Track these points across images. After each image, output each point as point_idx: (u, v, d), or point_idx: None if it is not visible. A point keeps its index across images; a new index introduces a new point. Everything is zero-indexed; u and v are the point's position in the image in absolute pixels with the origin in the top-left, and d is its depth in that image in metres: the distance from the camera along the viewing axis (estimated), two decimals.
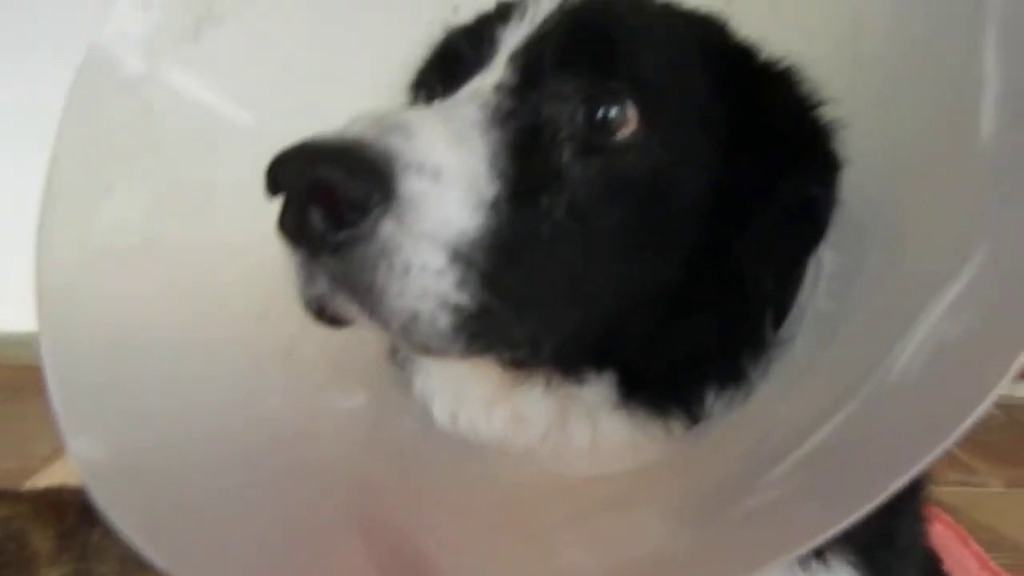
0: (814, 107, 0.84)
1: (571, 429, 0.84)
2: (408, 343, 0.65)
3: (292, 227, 0.61)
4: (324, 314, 0.68)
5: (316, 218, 0.60)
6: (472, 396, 0.88)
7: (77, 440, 0.72)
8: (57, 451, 2.43)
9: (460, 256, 0.63)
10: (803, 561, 0.78)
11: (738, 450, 0.79)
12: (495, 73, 0.76)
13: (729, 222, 0.80)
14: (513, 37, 0.78)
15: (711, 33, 0.87)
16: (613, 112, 0.74)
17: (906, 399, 0.59)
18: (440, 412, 0.93)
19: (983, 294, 0.57)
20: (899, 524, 0.90)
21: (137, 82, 0.88)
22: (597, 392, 0.82)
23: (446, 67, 0.84)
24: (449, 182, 0.64)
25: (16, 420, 2.81)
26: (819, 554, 0.80)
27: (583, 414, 0.83)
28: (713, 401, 0.82)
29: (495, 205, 0.66)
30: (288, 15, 0.98)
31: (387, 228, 0.60)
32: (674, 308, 0.80)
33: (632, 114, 0.75)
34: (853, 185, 0.80)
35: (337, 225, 0.60)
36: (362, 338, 0.99)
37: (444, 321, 0.64)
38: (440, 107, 0.73)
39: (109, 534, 0.64)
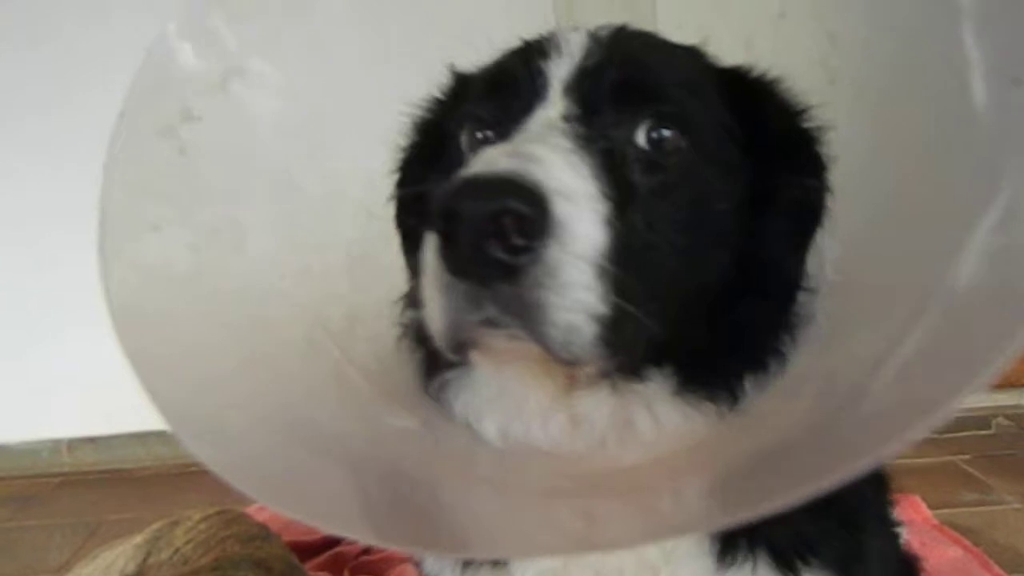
0: (801, 112, 0.95)
1: (634, 424, 0.88)
2: (563, 354, 0.70)
3: (469, 258, 0.66)
4: (459, 345, 0.74)
5: (494, 248, 0.65)
6: (528, 408, 0.91)
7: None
8: (66, 564, 2.27)
9: (598, 269, 0.70)
10: None
11: (776, 421, 0.86)
12: (556, 105, 0.84)
13: (753, 219, 0.91)
14: (560, 71, 0.87)
15: (706, 59, 0.98)
16: (667, 134, 0.85)
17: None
18: (490, 429, 0.95)
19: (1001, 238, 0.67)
20: (869, 538, 0.97)
21: (172, 127, 0.90)
22: (657, 386, 0.88)
23: (498, 101, 0.91)
24: (582, 204, 0.71)
25: (25, 532, 2.63)
26: (793, 569, 0.88)
27: (644, 408, 0.88)
28: (754, 380, 0.89)
29: (608, 220, 0.73)
30: (312, 68, 1.03)
31: (552, 251, 0.67)
32: (721, 301, 0.88)
33: (677, 137, 0.86)
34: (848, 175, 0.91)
35: (514, 252, 0.65)
36: (400, 373, 1.01)
37: (591, 330, 0.70)
38: (530, 137, 0.79)
39: None
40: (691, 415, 0.88)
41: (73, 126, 2.55)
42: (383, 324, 1.04)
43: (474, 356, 0.78)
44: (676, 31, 1.03)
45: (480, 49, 1.09)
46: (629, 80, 0.86)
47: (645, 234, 0.78)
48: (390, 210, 1.09)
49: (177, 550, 1.64)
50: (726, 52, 1.00)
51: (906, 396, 0.66)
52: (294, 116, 1.03)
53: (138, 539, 1.73)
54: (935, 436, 2.73)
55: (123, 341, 0.73)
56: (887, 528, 1.09)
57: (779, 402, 0.86)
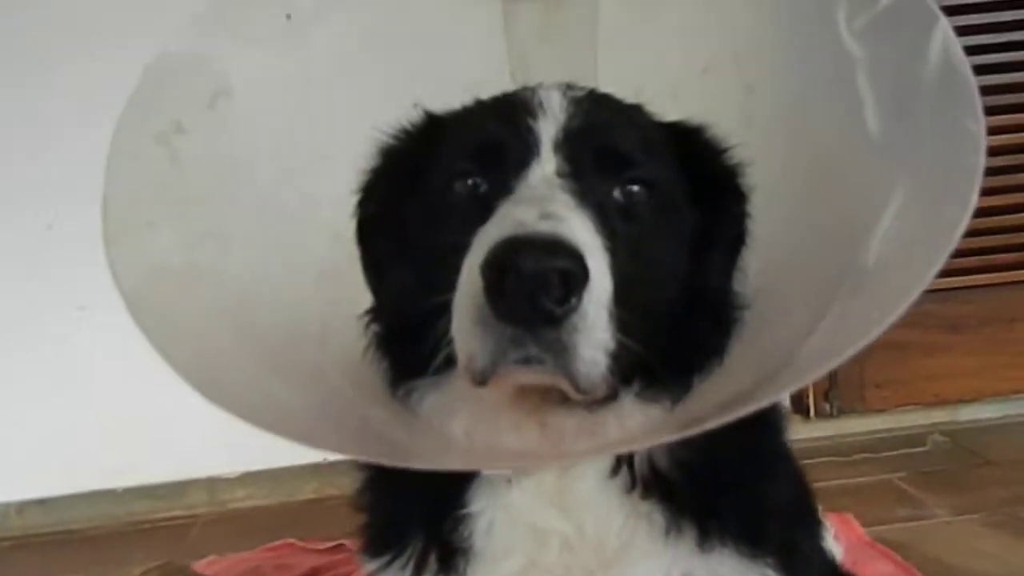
0: (723, 152, 1.12)
1: (602, 430, 0.98)
2: (584, 384, 0.84)
3: (524, 307, 0.79)
4: (483, 377, 0.85)
5: (546, 300, 0.78)
6: (501, 418, 0.99)
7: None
8: None
9: (609, 311, 0.84)
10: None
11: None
12: (549, 162, 0.98)
13: (697, 255, 1.09)
14: (549, 130, 1.01)
15: (650, 116, 1.15)
16: (635, 190, 1.02)
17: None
18: (456, 429, 1.02)
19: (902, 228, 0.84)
20: (803, 532, 1.12)
21: (166, 134, 0.97)
22: (625, 399, 0.99)
23: (490, 154, 1.02)
24: (597, 256, 0.85)
25: None
26: (747, 554, 1.00)
27: (612, 416, 0.99)
28: (699, 376, 1.03)
29: (609, 267, 0.88)
30: (294, 94, 1.12)
31: (585, 301, 0.80)
32: (673, 322, 1.03)
33: (644, 193, 1.03)
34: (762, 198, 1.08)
35: (561, 303, 0.79)
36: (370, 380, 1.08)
37: (605, 363, 0.85)
38: (538, 192, 0.93)
39: None
40: (649, 412, 1.00)
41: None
42: (351, 337, 1.11)
43: (494, 383, 0.88)
44: (614, 84, 1.20)
45: (446, 91, 1.22)
46: (607, 146, 1.02)
47: (628, 275, 0.91)
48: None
49: None
50: (656, 103, 1.17)
51: (826, 347, 0.81)
52: (275, 138, 1.11)
53: None
54: (872, 456, 2.94)
55: (137, 319, 0.78)
56: (817, 528, 1.26)
57: (719, 381, 0.98)
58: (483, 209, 0.97)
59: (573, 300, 0.79)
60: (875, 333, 0.70)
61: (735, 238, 1.11)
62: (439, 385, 1.05)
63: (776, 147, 1.08)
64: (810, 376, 0.78)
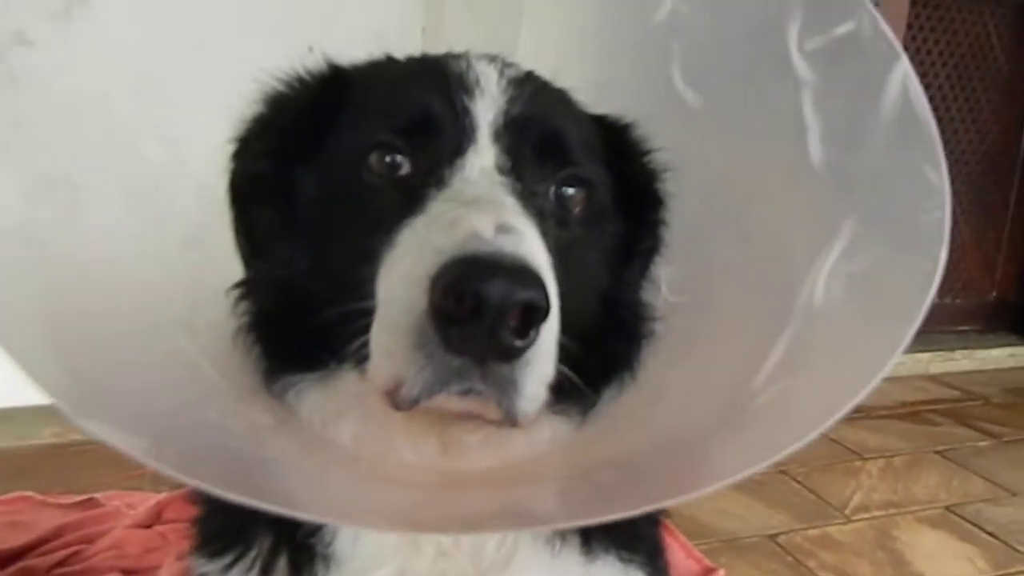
0: (645, 154, 1.07)
1: (508, 443, 0.90)
2: (521, 418, 0.77)
3: (482, 340, 0.69)
4: (409, 405, 0.75)
5: (507, 334, 0.69)
6: (396, 429, 0.89)
7: None
8: None
9: (556, 338, 0.78)
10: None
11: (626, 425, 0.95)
12: (487, 152, 0.88)
13: (616, 266, 1.04)
14: (487, 114, 0.90)
15: (579, 105, 1.06)
16: (570, 192, 0.94)
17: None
18: (344, 435, 0.91)
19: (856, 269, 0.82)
20: (660, 531, 1.12)
21: (4, 46, 0.73)
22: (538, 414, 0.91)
23: (419, 132, 0.89)
24: (550, 277, 0.76)
25: None
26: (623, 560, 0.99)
27: (522, 431, 0.89)
28: (609, 390, 0.99)
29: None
30: (164, 16, 0.90)
31: (543, 332, 0.72)
32: (586, 334, 0.94)
33: (580, 195, 0.95)
34: (692, 209, 1.04)
35: (522, 335, 0.70)
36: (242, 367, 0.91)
37: (543, 395, 0.78)
38: (480, 191, 0.83)
39: None
40: (557, 427, 0.94)
41: None
42: (220, 314, 0.93)
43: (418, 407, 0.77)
44: (532, 60, 1.10)
45: (345, 37, 1.06)
46: (547, 138, 0.93)
47: (562, 292, 0.83)
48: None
49: None
50: (579, 91, 1.08)
51: (774, 415, 0.77)
52: (137, 66, 0.89)
53: None
54: None
55: None
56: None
57: (635, 408, 0.94)
58: (406, 196, 0.85)
59: (532, 333, 0.71)
60: (848, 406, 0.66)
61: (651, 248, 1.07)
62: (325, 383, 0.92)
63: (708, 156, 1.03)
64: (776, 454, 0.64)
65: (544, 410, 0.92)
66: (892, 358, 0.66)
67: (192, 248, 0.93)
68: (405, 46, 1.07)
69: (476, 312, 0.67)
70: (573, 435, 0.95)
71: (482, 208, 0.77)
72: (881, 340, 0.70)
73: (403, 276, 0.75)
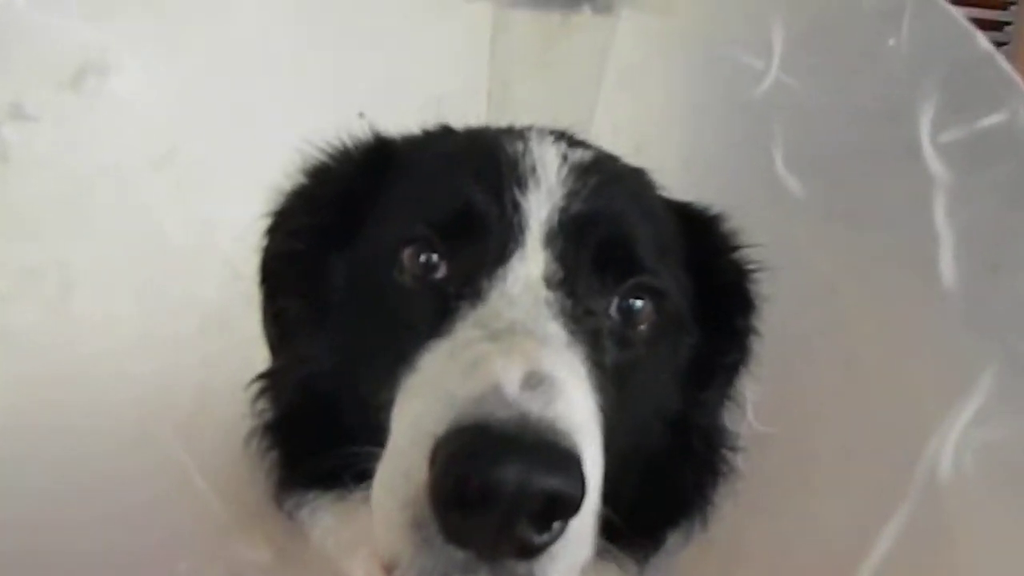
0: (734, 249, 0.91)
1: None
2: None
3: (490, 538, 0.54)
4: None
5: (524, 529, 0.53)
6: None
7: None
8: None
9: (597, 513, 0.62)
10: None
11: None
12: (536, 259, 0.73)
13: (691, 384, 0.85)
14: (539, 211, 0.75)
15: (655, 190, 0.91)
16: (639, 305, 0.77)
17: None
18: (357, 573, 0.77)
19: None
20: None
21: None
22: None
23: (455, 231, 0.76)
24: (594, 440, 0.62)
25: None
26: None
27: None
28: (676, 535, 0.82)
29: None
30: (195, 81, 0.82)
31: (575, 524, 0.56)
32: (649, 462, 0.80)
33: (649, 308, 0.78)
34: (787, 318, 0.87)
35: (543, 529, 0.55)
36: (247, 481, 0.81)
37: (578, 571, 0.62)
38: (520, 318, 0.68)
39: None
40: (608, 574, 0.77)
41: None
42: (234, 411, 0.83)
43: None
44: (611, 133, 0.96)
45: (402, 101, 0.95)
46: (611, 242, 0.78)
47: (612, 424, 0.68)
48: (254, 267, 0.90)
49: None
50: (661, 170, 0.93)
51: None
52: (160, 138, 0.80)
53: None
54: None
55: None
56: None
57: (710, 564, 0.78)
58: (438, 304, 0.72)
59: (557, 526, 0.55)
60: None
61: (736, 361, 0.89)
62: (343, 505, 0.79)
63: (810, 255, 0.86)
64: None
65: (593, 555, 0.79)
66: None
67: (211, 334, 0.84)
68: (467, 113, 0.96)
69: (485, 499, 0.52)
70: None
71: (512, 347, 0.63)
72: None
73: (410, 424, 0.62)
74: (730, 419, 0.88)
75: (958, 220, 0.74)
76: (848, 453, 0.74)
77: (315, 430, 0.80)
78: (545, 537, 0.55)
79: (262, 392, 0.86)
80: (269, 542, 0.75)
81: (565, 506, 0.55)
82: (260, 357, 0.89)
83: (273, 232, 0.90)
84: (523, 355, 0.61)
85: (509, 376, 0.58)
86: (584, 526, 0.59)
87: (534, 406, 0.56)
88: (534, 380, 0.59)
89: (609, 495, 0.70)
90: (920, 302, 0.74)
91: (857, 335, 0.80)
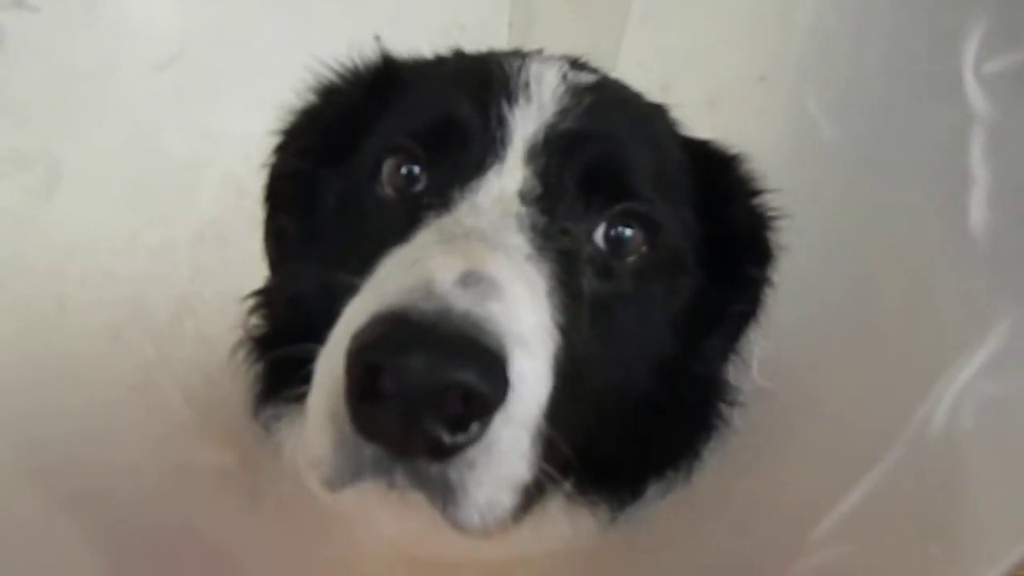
0: (755, 194, 0.84)
1: (515, 538, 0.70)
2: (470, 529, 0.57)
3: (397, 432, 0.52)
4: (329, 487, 0.58)
5: (433, 424, 0.51)
6: (375, 500, 0.72)
7: None
8: None
9: (535, 433, 0.57)
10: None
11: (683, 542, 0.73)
12: (515, 174, 0.69)
13: (692, 330, 0.79)
14: (525, 125, 0.71)
15: (673, 126, 0.85)
16: (628, 233, 0.72)
17: None
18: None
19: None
20: None
21: None
22: (552, 500, 0.72)
23: (436, 140, 0.73)
24: (539, 354, 0.58)
25: None
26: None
27: (529, 525, 0.70)
28: (657, 486, 0.77)
29: (556, 358, 0.60)
30: None
31: (497, 426, 0.53)
32: (636, 408, 0.74)
33: (639, 239, 0.73)
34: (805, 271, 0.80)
35: (455, 429, 0.52)
36: (224, 391, 0.80)
37: (510, 502, 0.57)
38: (482, 228, 0.64)
39: None
40: (579, 521, 0.74)
41: None
42: (223, 324, 0.83)
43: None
44: (637, 70, 0.90)
45: (420, 28, 0.93)
46: (602, 162, 0.73)
47: (583, 356, 0.64)
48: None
49: None
50: (687, 108, 0.87)
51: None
52: (167, 41, 0.81)
53: None
54: None
55: None
56: None
57: (688, 519, 0.72)
58: (409, 216, 0.69)
59: (474, 427, 0.52)
60: None
61: (746, 312, 0.83)
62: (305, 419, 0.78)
63: (836, 205, 0.79)
64: None
65: (564, 498, 0.75)
66: None
67: (201, 247, 0.84)
68: (487, 42, 0.92)
69: (393, 390, 0.50)
70: (599, 536, 0.74)
71: (458, 247, 0.60)
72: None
73: (344, 323, 0.59)
74: (733, 373, 0.82)
75: (996, 161, 0.65)
76: (850, 405, 0.67)
77: (301, 346, 0.80)
78: (460, 438, 0.52)
79: (256, 308, 0.87)
80: (233, 448, 0.74)
81: (480, 406, 0.51)
82: (260, 274, 0.89)
83: (280, 151, 0.90)
84: (466, 255, 0.58)
85: (443, 273, 0.55)
86: (514, 439, 0.55)
87: (462, 302, 0.53)
88: (471, 279, 0.55)
89: (587, 436, 0.67)
90: (945, 249, 0.66)
91: (878, 290, 0.72)
